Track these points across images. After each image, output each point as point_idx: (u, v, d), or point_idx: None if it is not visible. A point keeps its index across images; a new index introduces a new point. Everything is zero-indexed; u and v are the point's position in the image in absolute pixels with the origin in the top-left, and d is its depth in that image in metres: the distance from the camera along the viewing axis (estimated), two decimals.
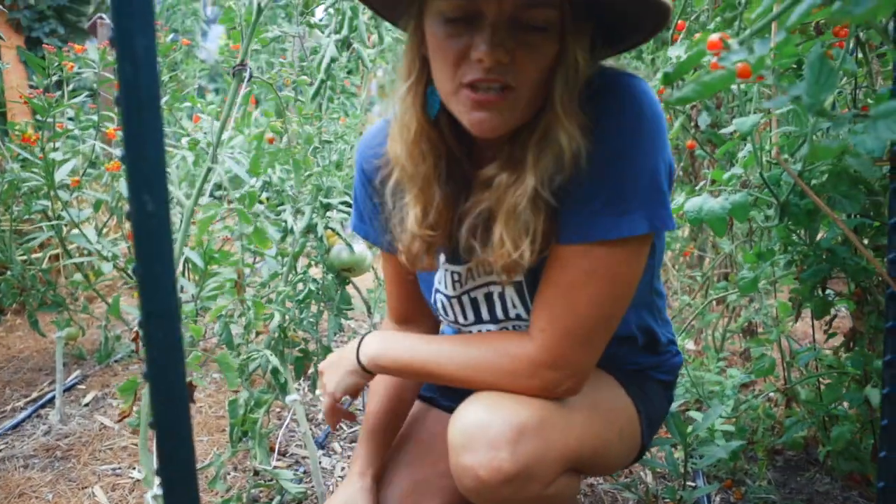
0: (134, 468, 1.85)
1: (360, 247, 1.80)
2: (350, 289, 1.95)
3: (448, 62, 0.87)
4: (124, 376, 2.55)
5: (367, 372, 1.10)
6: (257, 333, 1.73)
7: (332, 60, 1.21)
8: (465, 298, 1.12)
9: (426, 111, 0.95)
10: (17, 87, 3.90)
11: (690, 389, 1.80)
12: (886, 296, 1.12)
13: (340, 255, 1.79)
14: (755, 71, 0.77)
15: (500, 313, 1.10)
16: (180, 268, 1.19)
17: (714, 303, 2.36)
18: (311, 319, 1.81)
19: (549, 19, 0.85)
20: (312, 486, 1.67)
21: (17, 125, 2.14)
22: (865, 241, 1.35)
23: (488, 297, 1.10)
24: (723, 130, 1.26)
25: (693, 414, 1.76)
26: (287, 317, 1.69)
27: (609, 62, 0.97)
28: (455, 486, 0.98)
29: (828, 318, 1.55)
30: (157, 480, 1.13)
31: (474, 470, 0.92)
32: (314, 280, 1.78)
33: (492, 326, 1.12)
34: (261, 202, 1.61)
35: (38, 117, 1.99)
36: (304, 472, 1.84)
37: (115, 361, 2.68)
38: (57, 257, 2.81)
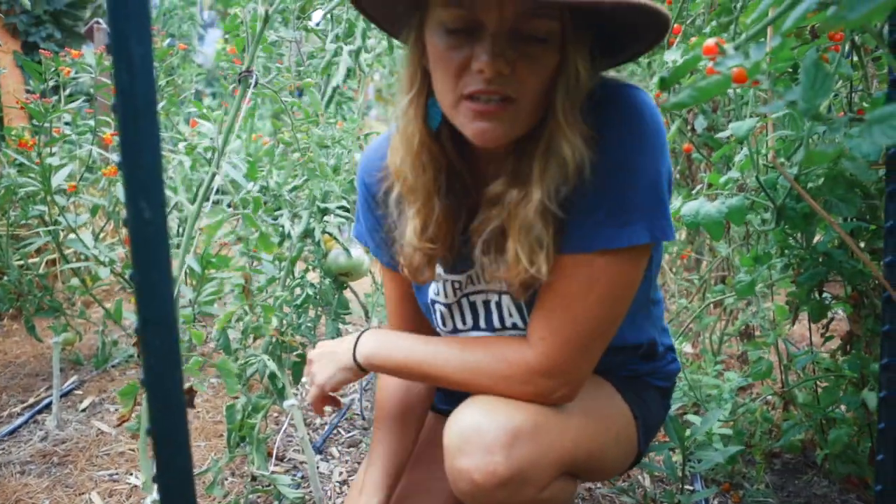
0: (131, 474, 1.84)
1: (358, 251, 1.80)
2: (348, 293, 1.95)
3: (449, 73, 0.88)
4: (121, 381, 2.55)
5: (361, 370, 1.10)
6: (255, 338, 1.73)
7: (349, 70, 1.21)
8: (463, 302, 1.12)
9: (427, 123, 0.96)
10: (13, 92, 3.90)
11: (688, 393, 1.80)
12: (883, 299, 1.12)
13: (338, 259, 1.79)
14: (751, 76, 0.77)
15: (496, 322, 1.11)
16: (182, 273, 1.18)
17: (711, 306, 2.36)
18: (309, 324, 1.81)
19: (550, 30, 0.85)
20: (310, 491, 1.66)
21: (13, 130, 2.14)
22: (862, 245, 1.36)
23: (486, 304, 1.11)
24: (719, 134, 1.26)
25: (691, 417, 1.76)
26: (285, 322, 1.69)
27: (609, 72, 0.98)
28: (451, 489, 0.98)
29: (825, 321, 1.55)
30: (156, 486, 1.12)
31: (469, 473, 0.93)
32: (312, 285, 1.78)
33: (488, 334, 1.12)
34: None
35: (35, 122, 1.99)
36: (302, 478, 1.84)
37: (113, 366, 2.67)
38: (54, 262, 2.80)
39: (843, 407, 1.56)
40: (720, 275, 2.50)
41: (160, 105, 2.41)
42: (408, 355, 1.05)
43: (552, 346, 0.95)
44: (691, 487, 1.68)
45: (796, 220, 1.25)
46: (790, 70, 1.25)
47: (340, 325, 1.86)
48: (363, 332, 1.12)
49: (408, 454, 1.22)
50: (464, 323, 1.13)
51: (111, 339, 2.68)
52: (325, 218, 1.76)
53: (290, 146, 1.68)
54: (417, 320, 1.22)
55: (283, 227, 1.69)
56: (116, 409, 2.29)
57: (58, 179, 2.01)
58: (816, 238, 1.39)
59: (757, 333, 2.26)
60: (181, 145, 1.86)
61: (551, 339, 0.96)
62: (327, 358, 1.14)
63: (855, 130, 0.73)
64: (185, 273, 1.25)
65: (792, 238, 1.37)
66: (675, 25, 2.04)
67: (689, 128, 1.95)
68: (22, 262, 2.36)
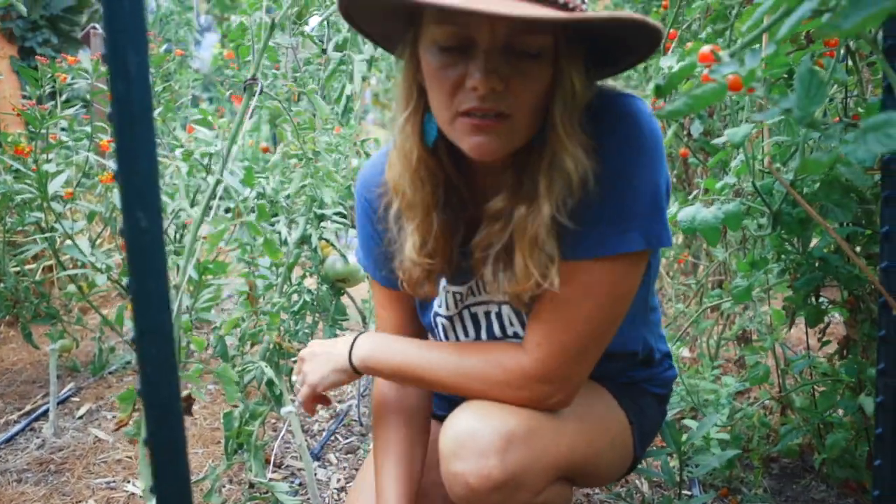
0: (128, 481, 1.84)
1: (355, 257, 1.80)
2: (345, 299, 1.95)
3: (444, 91, 0.88)
4: (119, 388, 2.54)
5: (355, 372, 1.10)
6: (252, 344, 1.72)
7: (364, 79, 1.21)
8: (465, 313, 1.13)
9: (424, 139, 0.96)
10: (9, 98, 3.89)
11: (686, 398, 1.80)
12: (879, 305, 1.12)
13: (335, 265, 1.79)
14: (746, 83, 0.77)
15: (497, 332, 1.11)
16: (185, 281, 1.18)
17: (708, 310, 2.36)
18: (307, 330, 1.81)
19: (543, 45, 0.85)
20: (308, 499, 1.66)
21: (9, 136, 2.13)
22: (858, 250, 1.36)
23: (487, 315, 1.11)
24: (715, 140, 1.27)
25: (688, 422, 1.76)
26: (282, 328, 1.69)
27: (607, 81, 0.99)
28: (447, 494, 0.98)
29: (821, 325, 1.56)
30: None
31: (464, 477, 0.93)
32: (309, 291, 1.78)
33: None
34: (252, 211, 1.60)
35: (31, 129, 1.99)
36: (300, 484, 1.83)
37: (110, 373, 2.66)
38: (50, 269, 2.80)
39: (840, 411, 1.56)
40: (717, 279, 2.51)
41: (157, 111, 2.41)
42: (404, 359, 1.05)
43: (548, 352, 0.96)
44: (689, 492, 1.68)
45: (792, 226, 1.25)
46: (785, 76, 1.25)
47: (338, 331, 1.86)
48: (359, 334, 1.12)
49: (420, 460, 1.18)
50: (466, 335, 1.14)
51: (108, 346, 2.67)
52: (322, 224, 1.76)
53: (291, 158, 1.68)
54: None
55: (279, 233, 1.70)
56: (114, 417, 2.28)
57: (54, 186, 2.01)
58: (813, 243, 1.39)
59: (754, 338, 2.26)
60: (178, 151, 1.86)
61: (547, 344, 0.96)
62: (321, 358, 1.13)
63: (850, 136, 0.73)
64: (189, 272, 1.24)
65: (788, 243, 1.38)
66: (671, 31, 2.05)
67: (685, 133, 1.95)
68: (18, 269, 2.35)
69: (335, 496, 1.78)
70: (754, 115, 0.77)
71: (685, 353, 2.51)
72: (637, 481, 1.80)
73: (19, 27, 6.10)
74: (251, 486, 1.74)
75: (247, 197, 1.55)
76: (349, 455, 2.05)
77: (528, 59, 0.86)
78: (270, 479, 1.79)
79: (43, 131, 1.98)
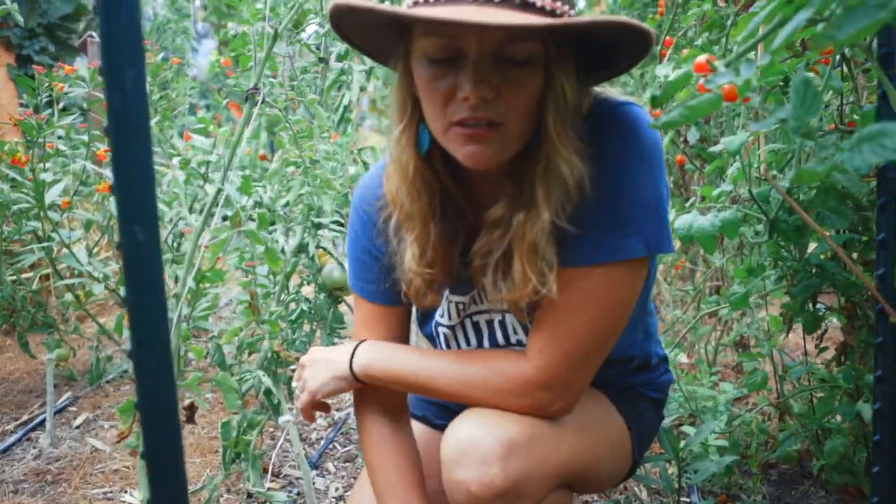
0: (126, 491, 1.83)
1: None
2: (343, 307, 1.94)
3: (436, 102, 0.89)
4: (116, 397, 2.53)
5: (356, 380, 1.09)
6: (250, 353, 1.72)
7: (362, 89, 1.22)
8: (466, 322, 1.13)
9: (419, 150, 0.96)
10: (6, 106, 3.89)
11: (684, 404, 1.80)
12: (876, 311, 1.12)
13: (332, 274, 1.78)
14: (741, 94, 0.78)
15: (500, 340, 1.11)
16: (185, 290, 1.17)
17: (706, 316, 2.36)
18: (304, 339, 1.80)
19: (532, 53, 0.86)
20: None
21: (6, 144, 2.13)
22: (854, 256, 1.36)
23: (489, 323, 1.11)
24: (712, 148, 1.27)
25: (686, 429, 1.76)
26: (280, 337, 1.69)
27: (604, 85, 0.99)
28: (448, 502, 0.98)
29: (819, 332, 1.56)
30: None
31: (466, 485, 0.93)
32: (306, 299, 1.78)
33: None
34: (251, 220, 1.60)
35: (28, 138, 1.99)
36: (298, 494, 1.83)
37: (107, 382, 2.66)
38: (47, 277, 2.79)
39: (838, 417, 1.56)
40: (715, 285, 2.51)
41: (154, 120, 2.40)
42: (405, 367, 1.04)
43: (550, 359, 0.96)
44: (688, 499, 1.68)
45: (789, 233, 1.26)
46: (781, 83, 1.26)
47: (336, 340, 1.86)
48: (360, 342, 1.11)
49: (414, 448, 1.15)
50: (467, 344, 1.14)
51: (105, 355, 2.67)
52: (320, 232, 1.76)
53: (289, 165, 1.68)
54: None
55: (277, 241, 1.69)
56: (111, 426, 2.27)
57: (51, 196, 2.01)
58: (810, 249, 1.40)
59: (752, 343, 2.26)
60: (176, 160, 1.86)
61: (550, 351, 0.96)
62: (321, 365, 1.12)
63: (846, 144, 0.74)
64: (190, 281, 1.24)
65: (785, 250, 1.38)
66: (667, 38, 2.06)
67: (681, 139, 1.96)
68: (15, 278, 2.35)
69: None
70: (750, 125, 0.78)
71: (683, 358, 2.51)
72: (636, 488, 1.80)
73: (16, 35, 6.11)
74: (249, 495, 1.73)
75: (244, 206, 1.55)
76: (347, 463, 2.05)
77: (517, 67, 0.86)
78: (268, 489, 1.79)
79: (40, 140, 1.98)
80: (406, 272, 1.03)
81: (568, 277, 0.95)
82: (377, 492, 1.10)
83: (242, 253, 1.46)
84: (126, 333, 1.44)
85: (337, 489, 1.87)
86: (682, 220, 1.24)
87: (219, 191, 1.15)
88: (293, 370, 1.78)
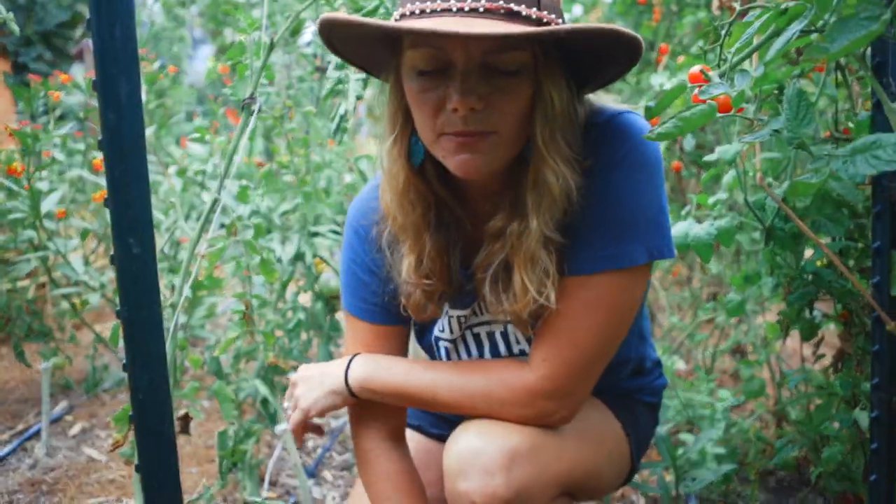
0: (122, 501, 1.82)
1: None
2: (339, 315, 1.94)
3: (427, 114, 0.89)
4: (112, 406, 2.52)
5: (351, 395, 1.07)
6: (247, 361, 1.72)
7: (358, 97, 1.21)
8: (467, 334, 1.12)
9: (411, 161, 0.96)
10: (2, 113, 3.89)
11: (681, 411, 1.80)
12: (872, 319, 1.12)
13: (329, 282, 1.78)
14: (735, 105, 0.78)
15: (503, 350, 1.11)
16: (182, 301, 1.17)
17: (703, 322, 2.37)
18: (301, 348, 1.80)
19: (520, 62, 0.86)
20: None
21: (2, 152, 2.13)
22: (851, 263, 1.36)
23: (490, 335, 1.11)
24: (707, 157, 1.27)
25: (684, 436, 1.76)
26: (277, 346, 1.68)
27: (602, 97, 1.00)
28: None
29: (816, 339, 1.56)
30: None
31: (469, 496, 0.93)
32: (303, 308, 1.78)
33: None
34: (247, 228, 1.60)
35: (24, 147, 1.99)
36: (295, 503, 1.82)
37: (104, 391, 2.65)
38: (43, 286, 2.79)
39: (836, 424, 1.56)
40: (712, 291, 2.51)
41: (151, 129, 2.40)
42: (405, 381, 1.03)
43: (555, 368, 0.96)
44: None
45: (785, 241, 1.25)
46: (776, 91, 1.26)
47: (332, 348, 1.86)
48: (354, 356, 1.09)
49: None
50: (468, 356, 1.13)
51: (101, 364, 2.66)
52: (316, 240, 1.76)
53: (286, 168, 1.68)
54: None
55: (273, 250, 1.69)
56: (108, 436, 2.26)
57: (47, 205, 2.00)
58: (807, 255, 1.40)
59: (749, 350, 2.26)
60: (172, 168, 1.86)
61: (554, 360, 0.96)
62: (314, 380, 1.09)
63: (841, 152, 0.74)
64: (185, 292, 1.23)
65: (781, 258, 1.38)
66: (663, 45, 2.07)
67: (677, 146, 1.96)
68: (11, 287, 2.34)
69: None
70: (745, 136, 0.78)
71: (681, 365, 2.51)
72: (633, 496, 1.80)
73: (12, 43, 6.11)
74: None
75: (241, 215, 1.55)
76: (344, 472, 2.04)
77: (506, 77, 0.87)
78: (265, 498, 1.78)
79: (36, 149, 1.98)
80: (404, 284, 1.03)
81: (571, 286, 0.95)
82: None
83: (239, 263, 1.46)
84: (122, 343, 1.43)
85: (334, 498, 1.86)
86: (678, 229, 1.24)
87: (215, 200, 1.14)
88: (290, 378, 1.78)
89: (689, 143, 1.87)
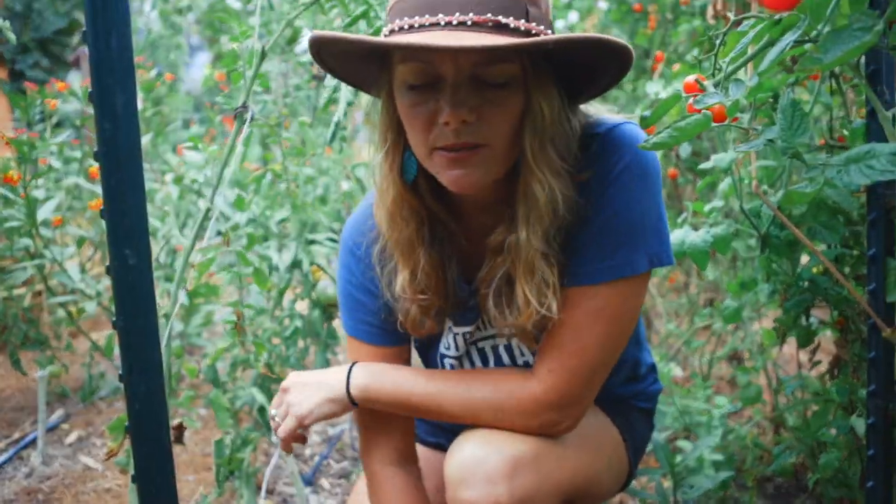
0: None
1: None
2: (336, 323, 1.94)
3: (419, 128, 0.89)
4: (109, 414, 2.51)
5: (352, 403, 1.05)
6: (244, 369, 1.72)
7: (349, 104, 1.22)
8: (472, 350, 1.12)
9: (403, 176, 0.96)
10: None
11: (679, 418, 1.80)
12: (868, 326, 1.13)
13: (326, 290, 1.78)
14: (730, 114, 0.78)
15: (507, 364, 1.11)
16: (176, 309, 1.17)
17: (700, 329, 2.37)
18: (298, 356, 1.80)
19: (510, 74, 0.87)
20: None
21: None
22: (847, 270, 1.37)
23: (494, 349, 1.11)
24: (702, 165, 1.28)
25: (681, 443, 1.76)
26: (274, 354, 1.68)
27: (598, 106, 1.00)
28: None
29: (812, 346, 1.56)
30: None
31: None
32: (300, 316, 1.78)
33: None
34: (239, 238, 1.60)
35: (21, 154, 1.98)
36: None
37: (100, 399, 2.64)
38: (39, 294, 2.78)
39: (833, 431, 1.56)
40: (708, 297, 2.51)
41: (148, 136, 2.41)
42: (409, 390, 1.02)
43: (561, 379, 0.96)
44: None
45: (781, 248, 1.26)
46: (771, 99, 1.27)
47: (329, 356, 1.85)
48: (354, 363, 1.08)
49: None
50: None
51: (98, 372, 2.65)
52: (313, 248, 1.76)
53: (280, 177, 1.67)
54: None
55: (270, 258, 1.69)
56: (104, 444, 2.26)
57: (44, 213, 2.00)
58: (803, 261, 1.40)
59: (746, 356, 2.27)
60: (169, 176, 1.86)
61: (559, 371, 0.97)
62: (311, 387, 1.06)
63: (835, 160, 0.74)
64: (179, 303, 1.23)
65: (777, 264, 1.38)
66: (658, 53, 2.08)
67: (673, 153, 1.97)
68: (7, 295, 2.34)
69: None
70: (739, 146, 0.78)
71: (678, 371, 2.51)
72: (631, 503, 1.79)
73: (9, 50, 6.11)
74: None
75: (238, 223, 1.55)
76: (342, 480, 2.04)
77: (497, 89, 0.87)
78: None
79: (32, 157, 1.97)
80: (400, 300, 1.02)
81: (575, 296, 0.96)
82: None
83: (235, 272, 1.46)
84: (118, 351, 1.43)
85: None
86: (674, 236, 1.25)
87: (207, 210, 1.14)
88: None
89: (685, 150, 1.88)
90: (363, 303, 1.10)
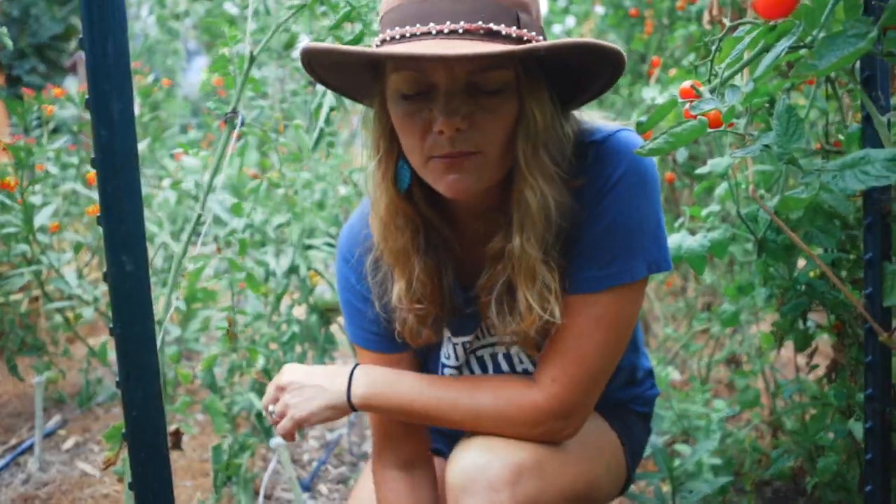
0: None
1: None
2: (334, 328, 1.94)
3: (414, 137, 0.89)
4: (106, 420, 2.51)
5: (352, 409, 1.05)
6: (241, 374, 1.71)
7: (332, 109, 1.21)
8: (471, 358, 1.12)
9: (397, 185, 0.96)
10: None
11: (677, 422, 1.80)
12: (865, 330, 1.13)
13: (324, 295, 1.78)
14: (726, 120, 0.79)
15: (506, 370, 1.11)
16: (168, 316, 1.17)
17: (698, 333, 2.37)
18: (296, 361, 1.80)
19: (503, 81, 0.87)
20: None
21: None
22: (844, 274, 1.37)
23: (493, 357, 1.11)
24: (699, 170, 1.28)
25: (680, 447, 1.76)
26: (271, 359, 1.68)
27: (593, 113, 1.00)
28: None
29: (810, 350, 1.56)
30: None
31: None
32: (298, 321, 1.78)
33: None
34: (228, 245, 1.60)
35: (18, 160, 1.98)
36: None
37: (97, 405, 2.63)
38: (36, 299, 2.78)
39: (831, 434, 1.56)
40: (706, 301, 2.52)
41: (145, 142, 2.40)
42: (412, 398, 1.02)
43: (563, 387, 0.96)
44: None
45: (778, 252, 1.26)
46: (768, 104, 1.27)
47: (327, 361, 1.85)
48: (354, 367, 1.07)
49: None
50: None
51: (95, 377, 2.64)
52: (311, 253, 1.76)
53: (277, 187, 1.67)
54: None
55: (267, 263, 1.69)
56: (101, 450, 2.25)
57: (41, 219, 2.00)
58: (800, 265, 1.40)
59: (744, 360, 2.27)
60: (166, 182, 1.86)
61: (562, 379, 0.97)
62: (310, 391, 1.05)
63: (831, 165, 0.75)
64: (172, 310, 1.23)
65: (774, 269, 1.39)
66: (654, 57, 2.08)
67: (670, 158, 1.97)
68: (4, 301, 2.33)
69: None
70: (735, 151, 0.78)
71: (676, 375, 2.52)
72: None
73: (6, 56, 6.11)
74: None
75: (234, 229, 1.55)
76: (340, 485, 2.03)
77: (490, 96, 0.87)
78: None
79: (30, 162, 1.98)
80: (397, 310, 1.02)
81: (576, 304, 0.96)
82: None
83: (228, 278, 1.46)
84: (112, 355, 1.43)
85: None
86: (671, 241, 1.25)
87: (199, 216, 1.14)
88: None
89: (681, 154, 1.88)
90: (362, 311, 1.10)
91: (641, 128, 0.77)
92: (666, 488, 1.64)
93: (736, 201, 1.25)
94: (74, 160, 2.45)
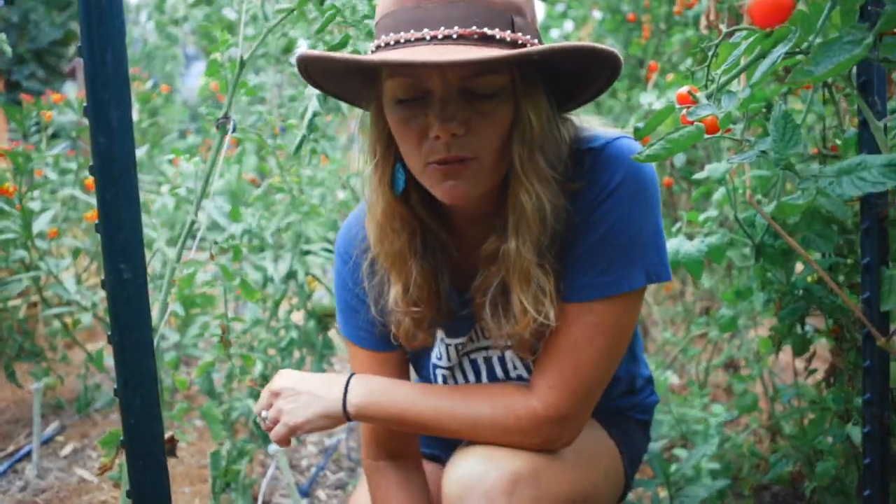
0: None
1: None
2: (332, 333, 1.94)
3: (411, 143, 0.90)
4: (104, 426, 2.50)
5: (347, 419, 1.05)
6: (239, 381, 1.71)
7: (315, 114, 1.21)
8: (464, 360, 1.12)
9: (393, 189, 0.97)
10: None
11: (675, 427, 1.80)
12: (863, 335, 1.13)
13: (322, 301, 1.78)
14: (723, 126, 0.79)
15: (500, 377, 1.11)
16: (162, 323, 1.16)
17: (696, 337, 2.37)
18: (294, 367, 1.80)
19: (498, 85, 0.87)
20: None
21: None
22: (841, 279, 1.37)
23: (487, 360, 1.11)
24: (696, 175, 1.28)
25: (678, 452, 1.76)
26: (269, 364, 1.68)
27: (592, 120, 1.00)
28: None
29: (808, 354, 1.56)
30: None
31: None
32: (296, 327, 1.77)
33: None
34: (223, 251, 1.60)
35: (16, 166, 1.98)
36: None
37: (95, 410, 2.63)
38: (35, 305, 2.77)
39: (829, 439, 1.56)
40: (704, 305, 2.52)
41: (144, 147, 2.41)
42: (407, 408, 1.01)
43: (560, 395, 0.96)
44: None
45: (775, 257, 1.26)
46: (764, 109, 1.27)
47: (325, 366, 1.85)
48: (351, 375, 1.07)
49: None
50: (466, 382, 1.13)
51: (93, 383, 2.64)
52: (308, 258, 1.76)
53: (280, 191, 1.67)
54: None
55: (265, 269, 1.69)
56: (99, 456, 2.24)
57: (39, 224, 2.00)
58: (798, 270, 1.41)
59: (742, 364, 2.27)
60: (164, 187, 1.86)
61: (559, 387, 0.96)
62: (304, 398, 1.05)
63: (828, 170, 0.75)
64: (167, 316, 1.23)
65: (771, 274, 1.39)
66: (652, 62, 2.09)
67: (668, 162, 1.98)
68: (2, 307, 2.33)
69: None
70: (732, 157, 0.79)
71: (674, 379, 2.52)
72: None
73: (5, 61, 6.11)
74: None
75: (232, 234, 1.55)
76: (338, 491, 2.03)
77: (486, 100, 0.87)
78: None
79: (29, 168, 1.98)
80: (393, 313, 1.02)
81: (573, 312, 0.95)
82: None
83: (222, 284, 1.45)
84: (109, 361, 1.42)
85: None
86: (669, 245, 1.25)
87: (192, 223, 1.14)
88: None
89: (679, 159, 1.89)
90: (357, 310, 1.11)
91: (639, 134, 0.78)
92: (664, 494, 1.64)
93: (733, 206, 1.25)
94: (73, 166, 2.45)
